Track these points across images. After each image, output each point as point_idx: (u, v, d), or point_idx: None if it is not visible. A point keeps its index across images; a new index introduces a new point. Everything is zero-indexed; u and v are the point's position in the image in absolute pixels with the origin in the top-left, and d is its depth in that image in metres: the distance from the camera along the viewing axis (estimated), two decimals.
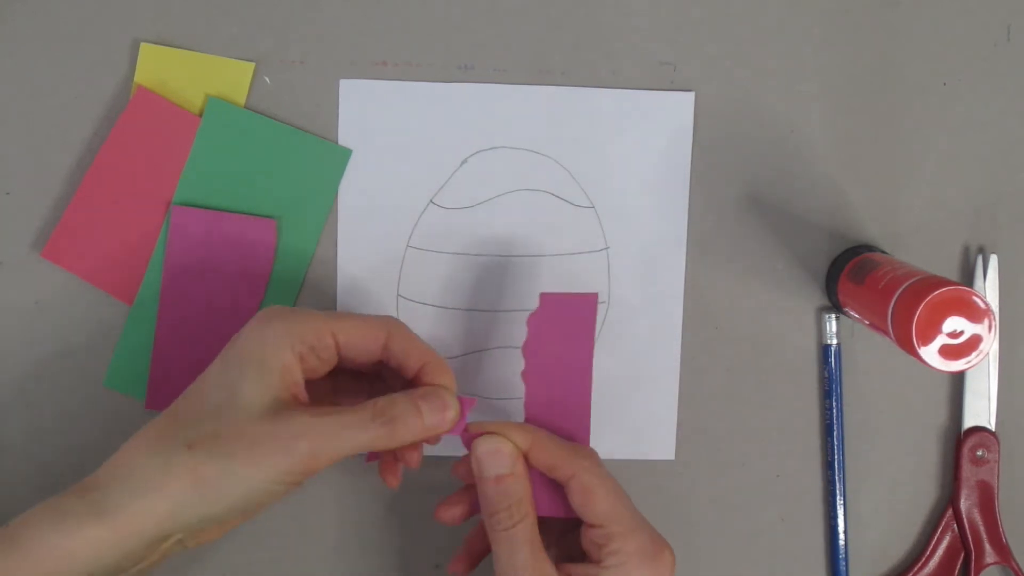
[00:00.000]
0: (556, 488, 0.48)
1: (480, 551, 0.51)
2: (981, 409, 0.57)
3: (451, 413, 0.46)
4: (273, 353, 0.44)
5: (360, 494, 0.57)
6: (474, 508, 0.50)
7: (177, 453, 0.43)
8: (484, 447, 0.47)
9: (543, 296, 0.50)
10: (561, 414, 0.50)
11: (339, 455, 0.44)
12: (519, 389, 0.56)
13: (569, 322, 0.50)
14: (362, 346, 0.47)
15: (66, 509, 0.43)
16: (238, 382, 0.44)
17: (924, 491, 0.59)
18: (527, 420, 0.50)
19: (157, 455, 0.43)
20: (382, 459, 0.51)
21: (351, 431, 0.44)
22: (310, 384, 0.47)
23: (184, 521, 0.43)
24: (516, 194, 0.56)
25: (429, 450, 0.56)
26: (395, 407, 0.45)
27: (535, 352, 0.50)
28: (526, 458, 0.47)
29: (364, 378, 0.51)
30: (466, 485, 0.50)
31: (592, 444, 0.57)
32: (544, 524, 0.48)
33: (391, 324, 0.48)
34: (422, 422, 0.45)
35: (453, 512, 0.50)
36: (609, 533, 0.46)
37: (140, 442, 0.44)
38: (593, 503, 0.46)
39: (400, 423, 0.45)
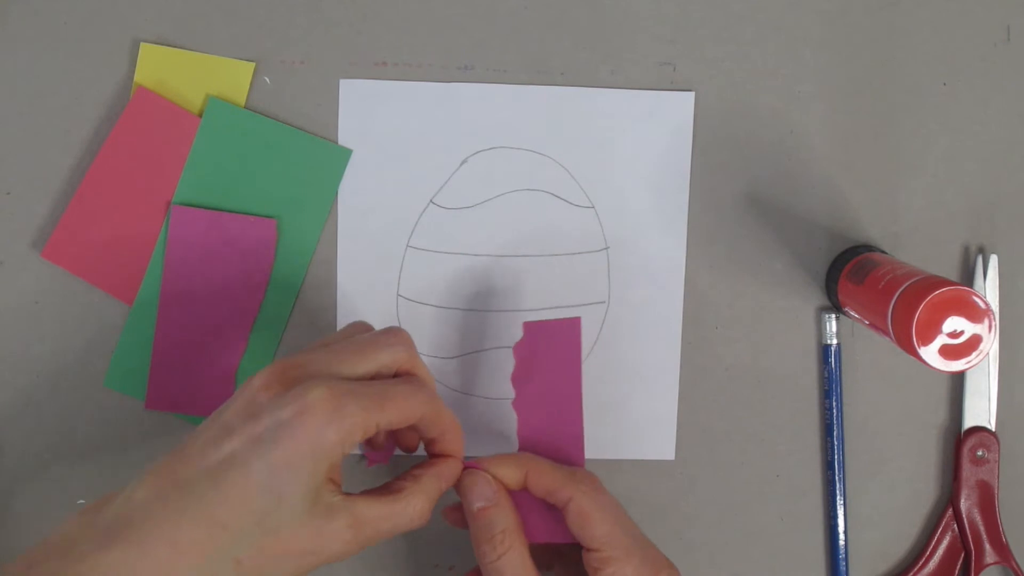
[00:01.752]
0: (555, 513, 0.48)
1: None
2: (981, 409, 0.57)
3: (456, 477, 0.48)
4: (327, 458, 0.42)
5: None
6: None
7: (224, 569, 0.41)
8: (467, 480, 0.48)
9: (526, 325, 0.51)
10: (555, 440, 0.50)
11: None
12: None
13: (555, 348, 0.50)
14: (397, 426, 0.46)
15: None
16: (288, 491, 0.42)
17: (924, 491, 0.59)
18: (521, 448, 0.51)
19: (202, 570, 0.41)
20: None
21: (388, 525, 0.45)
22: None
23: None
24: (516, 194, 0.56)
25: None
26: (427, 494, 0.46)
27: (524, 380, 0.51)
28: (526, 486, 0.48)
29: None
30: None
31: (592, 444, 0.57)
32: (553, 549, 0.48)
33: (426, 403, 0.46)
34: (441, 491, 0.47)
35: (456, 516, 0.50)
36: (606, 557, 0.46)
37: (179, 547, 0.41)
38: (590, 527, 0.46)
39: (429, 505, 0.46)
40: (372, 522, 0.44)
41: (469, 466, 0.48)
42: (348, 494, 0.44)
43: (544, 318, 0.56)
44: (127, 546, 0.41)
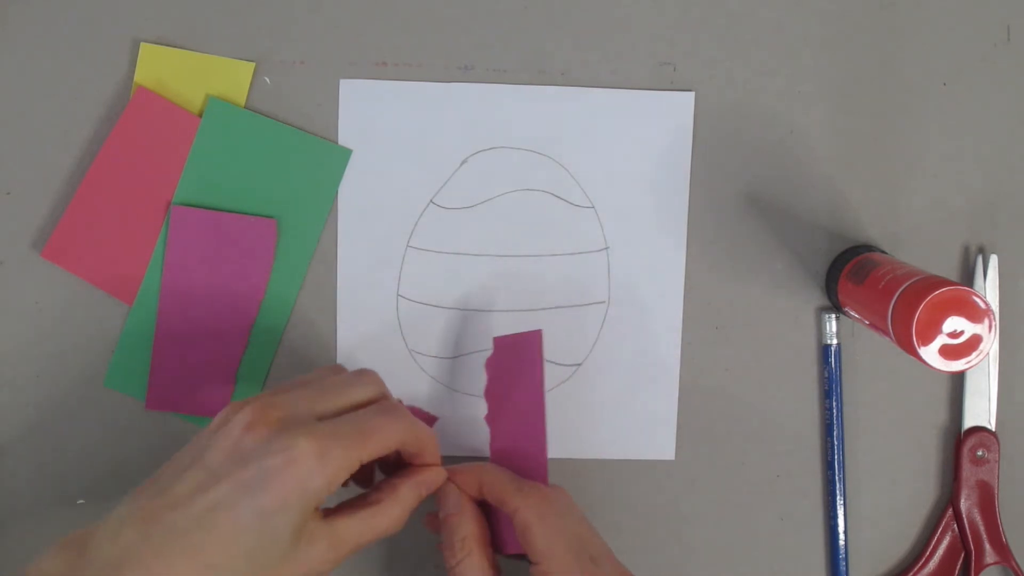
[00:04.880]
0: None
1: None
2: (981, 409, 0.57)
3: (439, 483, 0.50)
4: (314, 502, 0.44)
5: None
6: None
7: None
8: (440, 490, 0.50)
9: (495, 340, 0.52)
10: (521, 453, 0.51)
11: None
12: None
13: (519, 362, 0.51)
14: (377, 456, 0.47)
15: None
16: (277, 534, 0.43)
17: (924, 491, 0.59)
18: (492, 462, 0.52)
19: None
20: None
21: (366, 538, 0.47)
22: None
23: None
24: (516, 194, 0.56)
25: None
26: (404, 503, 0.48)
27: (495, 395, 0.52)
28: (483, 495, 0.49)
29: None
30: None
31: (592, 444, 0.57)
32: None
33: (405, 430, 0.48)
34: (420, 499, 0.49)
35: (436, 524, 0.52)
36: (544, 571, 0.46)
37: None
38: (530, 540, 0.47)
39: (408, 512, 0.48)
40: (351, 538, 0.46)
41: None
42: (327, 511, 0.46)
43: (544, 318, 0.56)
44: None
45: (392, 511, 0.47)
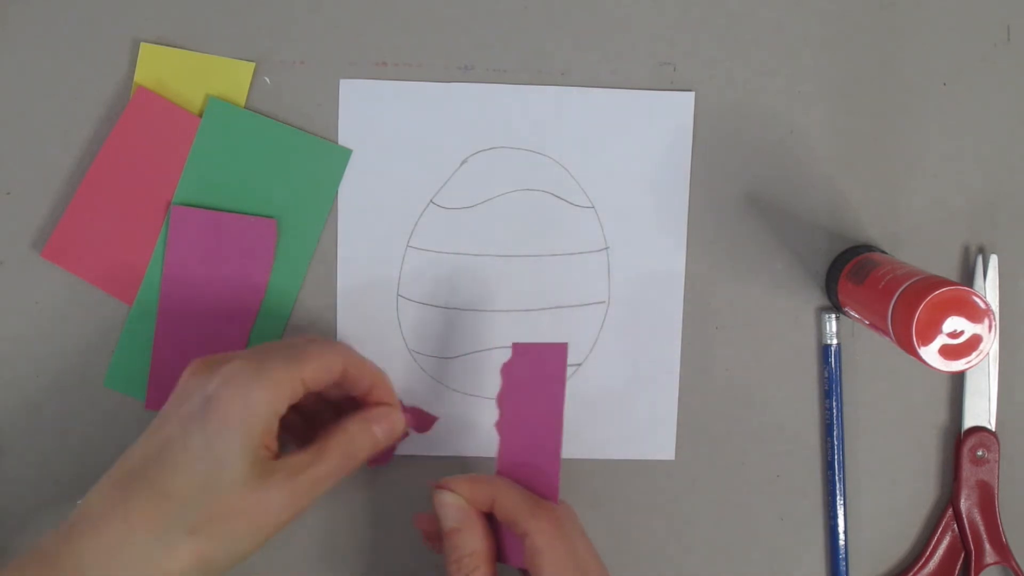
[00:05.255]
0: None
1: None
2: (981, 409, 0.57)
3: (399, 425, 0.50)
4: (259, 419, 0.45)
5: (361, 494, 0.57)
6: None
7: (178, 538, 0.43)
8: (439, 499, 0.49)
9: (515, 346, 0.50)
10: (532, 467, 0.50)
11: (316, 500, 0.47)
12: None
13: (540, 372, 0.50)
14: (324, 379, 0.48)
15: None
16: (226, 455, 0.44)
17: (924, 491, 0.59)
18: (499, 471, 0.50)
19: (156, 540, 0.43)
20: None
21: (327, 479, 0.47)
22: None
23: None
24: (516, 194, 0.56)
25: (432, 451, 0.56)
26: (354, 441, 0.48)
27: (509, 402, 0.50)
28: (494, 511, 0.48)
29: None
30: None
31: (592, 444, 0.57)
32: None
33: (345, 354, 0.49)
34: (376, 440, 0.49)
35: (424, 522, 0.51)
36: None
37: (130, 522, 0.43)
38: (539, 565, 0.46)
39: (361, 451, 0.48)
40: (307, 473, 0.46)
41: (441, 486, 0.48)
42: (281, 456, 0.46)
43: (544, 318, 0.56)
44: (88, 535, 0.43)
45: (342, 440, 0.47)
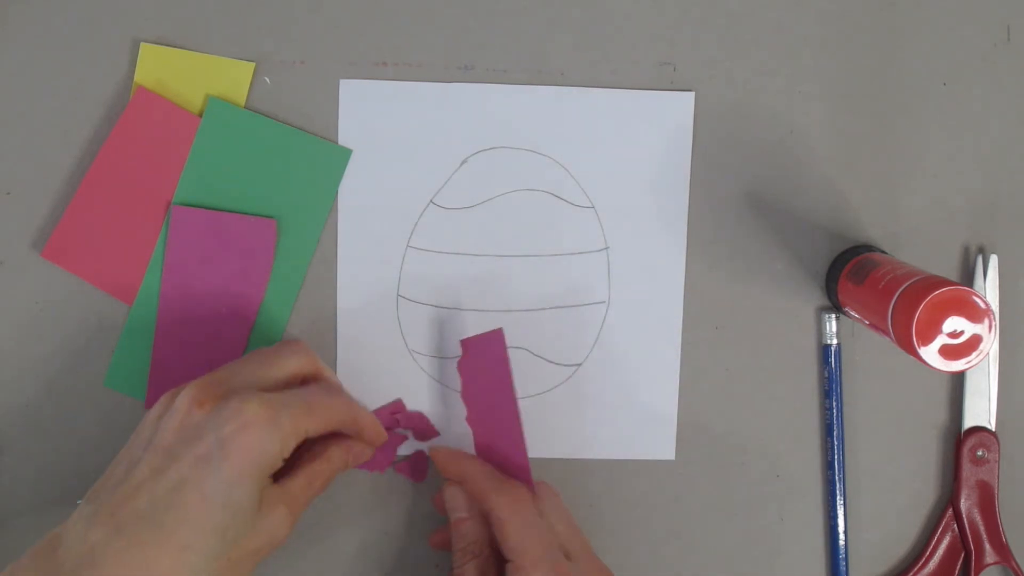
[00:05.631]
0: None
1: None
2: (981, 409, 0.57)
3: (367, 456, 0.52)
4: (270, 467, 0.46)
5: (361, 494, 0.56)
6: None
7: None
8: (446, 492, 0.51)
9: (462, 342, 0.53)
10: (502, 454, 0.52)
11: None
12: (519, 389, 0.56)
13: (487, 361, 0.52)
14: (322, 431, 0.49)
15: None
16: (242, 501, 0.44)
17: (924, 491, 0.59)
18: (476, 448, 0.53)
19: None
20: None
21: (311, 498, 0.49)
22: None
23: None
24: (516, 194, 0.56)
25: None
26: (335, 467, 0.50)
27: (470, 397, 0.53)
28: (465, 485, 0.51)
29: None
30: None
31: (592, 444, 0.57)
32: None
33: (345, 410, 0.50)
34: (347, 465, 0.51)
35: (438, 539, 0.54)
36: (517, 567, 0.47)
37: (166, 567, 0.43)
38: (502, 538, 0.48)
39: (335, 472, 0.51)
40: (302, 497, 0.48)
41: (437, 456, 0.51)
42: (275, 477, 0.47)
43: (544, 318, 0.56)
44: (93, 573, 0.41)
45: (327, 469, 0.49)
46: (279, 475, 0.47)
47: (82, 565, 0.42)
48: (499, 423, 0.52)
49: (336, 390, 0.52)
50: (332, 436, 0.50)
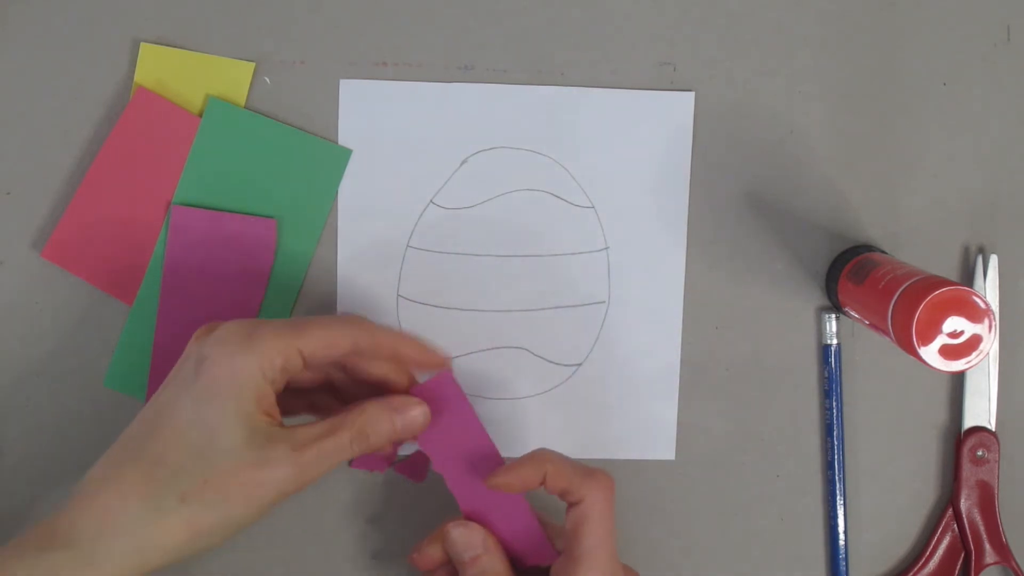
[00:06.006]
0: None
1: None
2: (981, 409, 0.57)
3: (420, 420, 0.47)
4: (247, 385, 0.43)
5: (361, 494, 0.57)
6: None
7: (170, 506, 0.42)
8: (455, 533, 0.48)
9: (412, 390, 0.49)
10: (496, 504, 0.49)
11: (321, 476, 0.45)
12: (519, 389, 0.56)
13: (444, 403, 0.49)
14: (328, 353, 0.46)
15: (53, 565, 0.41)
16: (217, 421, 0.43)
17: (924, 491, 0.59)
18: (464, 513, 0.49)
19: (147, 508, 0.42)
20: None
21: (335, 454, 0.45)
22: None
23: (178, 562, 0.43)
24: (516, 194, 0.56)
25: None
26: (371, 422, 0.46)
27: (433, 442, 0.49)
28: (544, 485, 0.47)
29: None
30: (437, 532, 0.50)
31: (592, 444, 0.57)
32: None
33: (355, 327, 0.47)
34: (394, 428, 0.47)
35: (424, 560, 0.50)
36: (574, 569, 0.46)
37: (122, 490, 0.42)
38: (579, 534, 0.46)
39: (376, 435, 0.46)
40: (312, 444, 0.44)
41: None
42: (290, 426, 0.45)
43: (544, 318, 0.56)
44: (81, 502, 0.43)
45: (357, 420, 0.46)
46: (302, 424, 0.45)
47: (76, 491, 0.43)
48: (476, 458, 0.49)
49: (352, 317, 0.48)
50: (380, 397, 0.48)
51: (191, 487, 0.42)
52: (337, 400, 0.51)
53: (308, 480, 0.44)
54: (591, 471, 0.47)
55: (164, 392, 0.45)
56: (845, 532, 0.58)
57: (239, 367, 0.44)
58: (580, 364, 0.57)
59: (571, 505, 0.47)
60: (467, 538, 0.48)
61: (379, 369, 0.49)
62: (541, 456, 0.48)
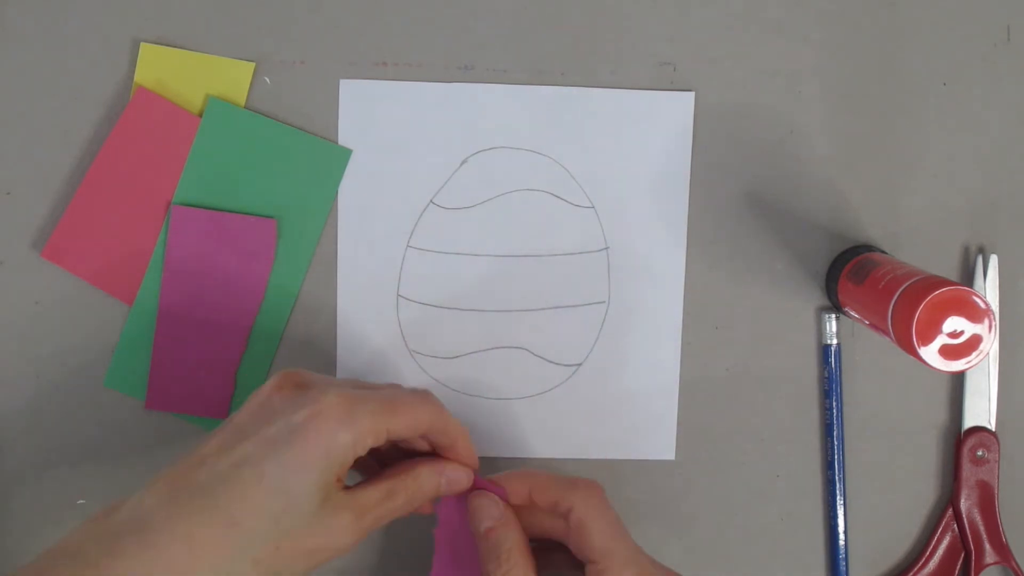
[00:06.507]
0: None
1: None
2: (981, 409, 0.57)
3: (465, 484, 0.49)
4: (338, 460, 0.43)
5: None
6: None
7: (242, 571, 0.42)
8: (475, 502, 0.49)
9: (438, 508, 0.50)
10: None
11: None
12: (519, 389, 0.56)
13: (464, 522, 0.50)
14: (406, 435, 0.47)
15: None
16: (300, 490, 0.42)
17: (924, 491, 0.59)
18: None
19: (219, 572, 0.41)
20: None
21: (389, 517, 0.46)
22: None
23: None
24: (516, 194, 0.56)
25: None
26: (422, 488, 0.47)
27: (447, 516, 0.50)
28: (532, 503, 0.48)
29: None
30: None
31: (592, 444, 0.57)
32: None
33: (433, 413, 0.47)
34: (440, 490, 0.48)
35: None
36: (603, 567, 0.46)
37: (193, 549, 0.41)
38: (586, 538, 0.47)
39: (425, 497, 0.48)
40: (374, 510, 0.45)
41: (478, 484, 0.49)
42: (348, 487, 0.45)
43: (544, 318, 0.56)
44: (141, 549, 0.41)
45: (411, 486, 0.47)
46: (364, 482, 0.46)
47: (129, 530, 0.41)
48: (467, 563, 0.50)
49: (429, 396, 0.48)
50: (427, 458, 0.48)
51: (264, 554, 0.42)
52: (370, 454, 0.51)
53: (362, 539, 0.45)
54: (573, 480, 0.48)
55: (245, 445, 0.43)
56: (845, 532, 0.58)
57: (336, 445, 0.43)
58: (580, 364, 0.57)
59: (566, 517, 0.48)
60: (485, 508, 0.48)
61: (424, 445, 0.49)
62: (527, 472, 0.49)
